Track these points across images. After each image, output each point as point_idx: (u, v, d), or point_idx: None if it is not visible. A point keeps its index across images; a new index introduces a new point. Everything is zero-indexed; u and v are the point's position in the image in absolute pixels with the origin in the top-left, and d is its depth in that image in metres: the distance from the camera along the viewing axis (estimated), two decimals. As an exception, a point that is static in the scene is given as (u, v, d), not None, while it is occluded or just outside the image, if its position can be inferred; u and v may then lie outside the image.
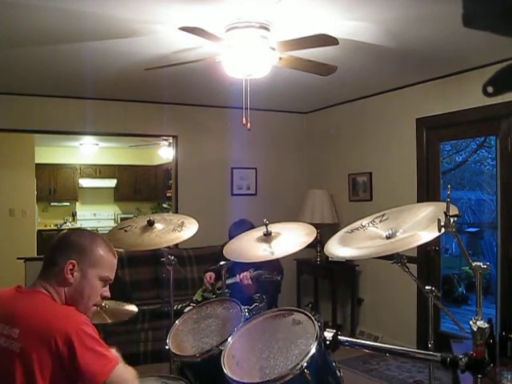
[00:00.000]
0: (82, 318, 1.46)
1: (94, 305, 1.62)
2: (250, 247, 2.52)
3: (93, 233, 1.73)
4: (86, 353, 1.37)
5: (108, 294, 1.64)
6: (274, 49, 3.00)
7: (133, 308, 2.40)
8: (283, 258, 2.48)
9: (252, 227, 3.51)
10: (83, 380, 1.37)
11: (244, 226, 3.56)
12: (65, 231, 1.68)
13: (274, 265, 3.47)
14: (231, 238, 3.07)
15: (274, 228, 2.56)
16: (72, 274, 1.53)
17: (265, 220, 2.56)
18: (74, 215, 10.12)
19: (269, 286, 3.17)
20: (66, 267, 1.52)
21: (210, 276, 3.69)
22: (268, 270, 3.10)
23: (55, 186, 9.67)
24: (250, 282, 3.17)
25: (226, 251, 2.58)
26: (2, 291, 1.58)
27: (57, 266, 1.54)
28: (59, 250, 1.57)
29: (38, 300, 1.49)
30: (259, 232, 2.60)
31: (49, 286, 1.53)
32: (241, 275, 3.22)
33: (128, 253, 5.03)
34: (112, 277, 1.64)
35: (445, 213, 1.57)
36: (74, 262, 1.53)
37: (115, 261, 1.65)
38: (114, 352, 1.48)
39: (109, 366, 1.39)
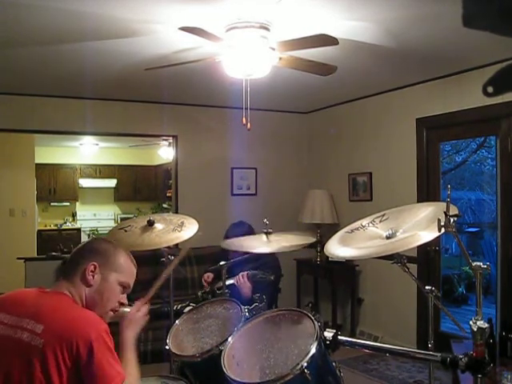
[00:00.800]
0: (104, 325, 1.49)
1: (112, 310, 1.66)
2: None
3: (115, 243, 1.79)
4: (102, 360, 1.39)
5: (126, 301, 1.70)
6: (273, 49, 3.00)
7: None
8: (283, 257, 2.49)
9: (250, 229, 3.53)
10: None
11: (242, 227, 3.57)
12: (89, 239, 1.78)
13: (272, 263, 3.49)
14: (228, 238, 3.09)
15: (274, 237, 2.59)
16: (93, 276, 1.59)
17: (265, 220, 2.57)
18: (74, 215, 10.12)
19: (263, 286, 3.19)
20: (87, 268, 1.58)
21: (207, 276, 3.70)
22: (265, 268, 3.12)
23: (55, 185, 9.68)
24: (246, 281, 3.20)
25: (224, 244, 2.62)
26: (26, 291, 1.63)
27: (79, 268, 1.59)
28: (83, 254, 1.64)
29: (63, 301, 1.53)
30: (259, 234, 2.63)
31: (71, 287, 1.57)
32: (237, 277, 3.25)
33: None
34: (131, 284, 1.70)
35: (445, 213, 1.57)
36: (96, 264, 1.60)
37: (135, 270, 1.72)
38: (121, 368, 1.49)
39: (116, 380, 1.41)
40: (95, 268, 1.59)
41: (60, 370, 1.37)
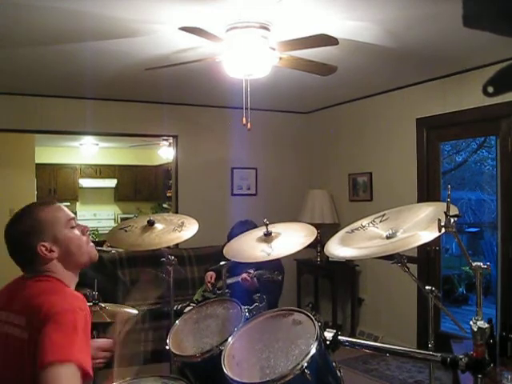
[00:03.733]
0: (76, 302, 1.41)
1: (87, 243, 1.60)
2: (249, 247, 2.53)
3: (23, 211, 1.57)
4: (51, 333, 1.30)
5: (86, 225, 1.63)
6: (274, 49, 3.00)
7: (132, 310, 2.41)
8: (283, 257, 2.48)
9: (255, 227, 3.52)
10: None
11: (248, 225, 3.56)
12: (5, 232, 1.54)
13: (275, 264, 3.48)
14: (232, 235, 3.08)
15: (274, 228, 2.56)
16: (49, 250, 1.49)
17: (265, 220, 2.56)
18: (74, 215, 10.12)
19: (271, 286, 3.18)
20: (40, 251, 1.48)
21: (210, 276, 3.69)
22: (269, 269, 3.10)
23: (55, 186, 9.67)
24: (255, 282, 3.20)
25: (226, 250, 2.59)
26: (14, 281, 1.56)
27: (32, 257, 1.49)
28: (21, 247, 1.51)
29: (41, 285, 1.47)
30: (259, 232, 2.60)
31: (45, 271, 1.50)
32: (241, 276, 3.25)
33: (128, 253, 5.04)
34: (71, 214, 1.60)
35: (445, 213, 1.57)
36: (40, 241, 1.49)
37: (59, 204, 1.60)
38: (83, 356, 1.32)
39: (55, 357, 1.26)
40: (43, 245, 1.49)
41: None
